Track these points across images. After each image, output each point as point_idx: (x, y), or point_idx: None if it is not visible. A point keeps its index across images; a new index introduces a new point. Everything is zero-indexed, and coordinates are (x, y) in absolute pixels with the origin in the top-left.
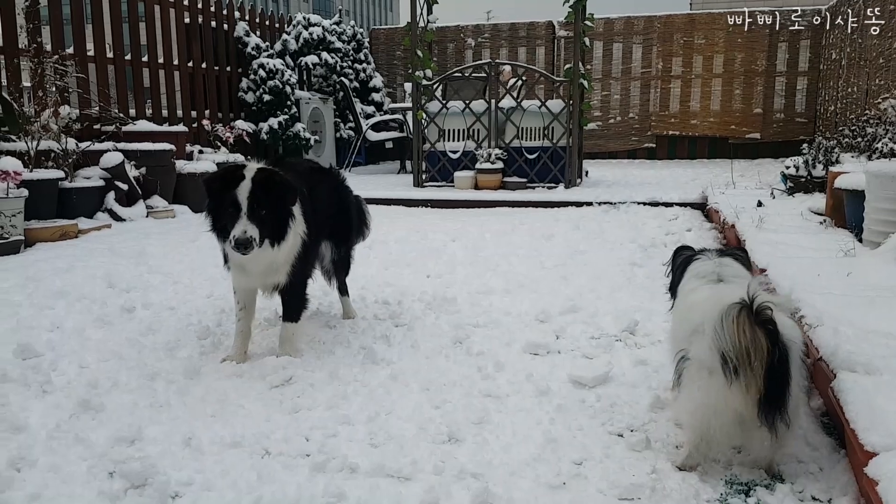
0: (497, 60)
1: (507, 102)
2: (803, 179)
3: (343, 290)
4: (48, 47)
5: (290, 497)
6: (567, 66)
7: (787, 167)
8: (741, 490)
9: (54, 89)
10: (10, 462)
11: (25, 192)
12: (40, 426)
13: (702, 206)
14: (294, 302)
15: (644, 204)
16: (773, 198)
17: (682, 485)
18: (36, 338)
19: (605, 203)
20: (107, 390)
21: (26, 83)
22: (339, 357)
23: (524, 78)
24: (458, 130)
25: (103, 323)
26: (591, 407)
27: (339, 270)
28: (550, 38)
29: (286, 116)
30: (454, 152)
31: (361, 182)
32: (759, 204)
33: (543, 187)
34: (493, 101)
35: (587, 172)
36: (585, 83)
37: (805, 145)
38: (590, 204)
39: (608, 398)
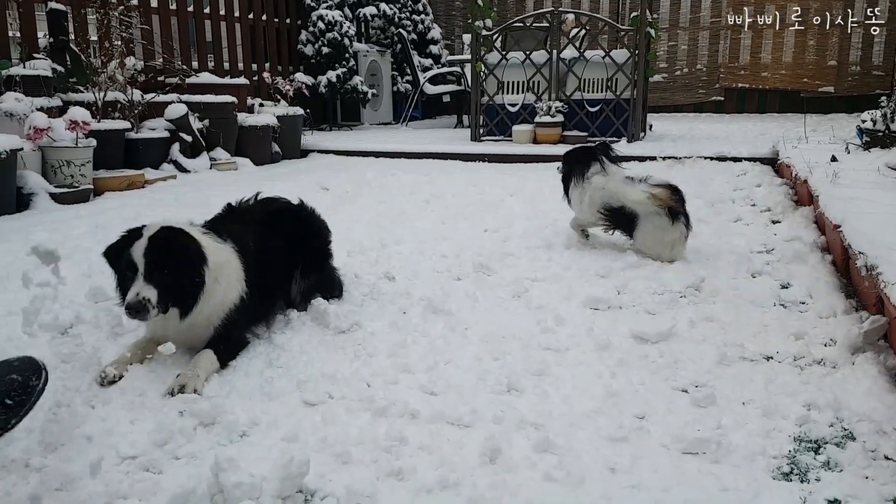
0: (560, 9)
1: (568, 53)
2: (881, 133)
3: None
4: None
5: (352, 438)
6: (633, 14)
7: (864, 121)
8: (810, 447)
9: (119, 42)
10: (86, 400)
11: (94, 142)
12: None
13: (772, 162)
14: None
15: (711, 159)
16: (848, 153)
17: (749, 441)
18: (106, 282)
19: (669, 158)
20: None
21: (93, 37)
22: (399, 307)
23: (587, 27)
24: (518, 83)
25: None
26: (653, 362)
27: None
28: None
29: (344, 69)
30: (513, 105)
31: (418, 137)
32: (833, 159)
33: (605, 141)
34: (554, 51)
35: (651, 126)
36: (653, 32)
37: (883, 98)
38: (653, 158)
39: (671, 354)
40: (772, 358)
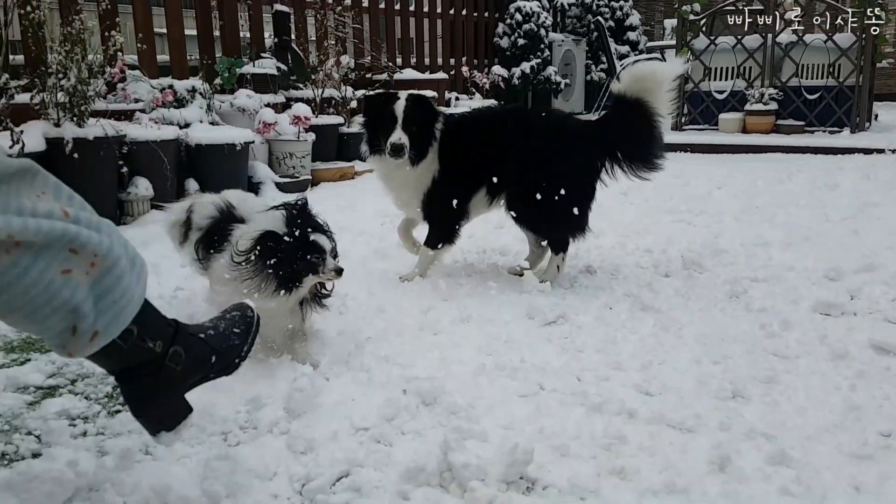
0: None
1: (785, 37)
2: None
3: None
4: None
5: (569, 432)
6: None
7: None
8: None
9: (335, 41)
10: (322, 372)
11: (313, 136)
12: (340, 344)
13: None
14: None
15: None
16: None
17: None
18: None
19: None
20: (392, 316)
21: (311, 37)
22: (603, 302)
23: (806, 10)
24: (727, 69)
25: (383, 256)
26: None
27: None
28: None
29: (538, 60)
30: (720, 92)
31: None
32: None
33: (824, 131)
34: (769, 35)
35: (877, 116)
36: (882, 14)
37: None
38: (881, 151)
39: None
40: None
